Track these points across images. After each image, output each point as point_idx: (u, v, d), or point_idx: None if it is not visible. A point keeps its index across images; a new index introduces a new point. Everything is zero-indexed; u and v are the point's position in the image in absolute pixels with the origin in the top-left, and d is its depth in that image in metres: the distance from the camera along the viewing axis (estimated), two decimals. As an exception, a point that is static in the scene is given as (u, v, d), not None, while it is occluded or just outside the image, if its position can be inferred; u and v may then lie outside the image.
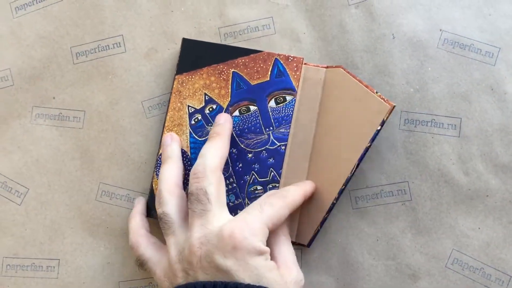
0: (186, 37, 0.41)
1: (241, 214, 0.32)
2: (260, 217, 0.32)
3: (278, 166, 0.38)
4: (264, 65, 0.39)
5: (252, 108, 0.39)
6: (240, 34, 0.42)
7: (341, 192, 0.38)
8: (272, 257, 0.33)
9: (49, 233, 0.41)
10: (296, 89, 0.39)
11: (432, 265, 0.39)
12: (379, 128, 0.36)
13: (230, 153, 0.39)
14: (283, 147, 0.38)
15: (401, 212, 0.40)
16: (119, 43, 0.42)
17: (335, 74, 0.39)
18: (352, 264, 0.40)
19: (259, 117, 0.39)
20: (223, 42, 0.42)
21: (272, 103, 0.39)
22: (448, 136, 0.40)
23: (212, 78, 0.40)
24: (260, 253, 0.31)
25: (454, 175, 0.40)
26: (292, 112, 0.39)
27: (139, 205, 0.40)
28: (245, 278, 0.29)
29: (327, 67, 0.39)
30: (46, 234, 0.41)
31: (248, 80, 0.39)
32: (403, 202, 0.40)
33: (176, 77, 0.40)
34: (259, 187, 0.39)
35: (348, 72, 0.38)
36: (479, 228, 0.39)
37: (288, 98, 0.39)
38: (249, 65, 0.39)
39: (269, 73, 0.39)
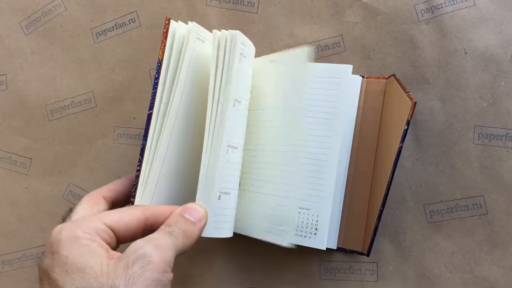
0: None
1: None
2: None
3: None
4: None
5: None
6: (311, 53, 0.43)
7: (385, 197, 0.36)
8: None
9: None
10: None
11: (510, 277, 0.40)
12: (406, 127, 0.34)
13: None
14: None
15: (477, 225, 0.40)
16: (196, 64, 0.44)
17: (390, 83, 0.39)
18: (428, 278, 0.40)
19: None
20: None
21: None
22: (524, 149, 0.40)
23: None
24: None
25: (531, 188, 0.40)
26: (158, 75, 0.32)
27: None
28: None
29: (386, 78, 0.40)
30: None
31: None
32: (479, 216, 0.40)
33: None
34: None
35: (397, 80, 0.38)
36: (558, 241, 0.40)
37: None
38: None
39: None
